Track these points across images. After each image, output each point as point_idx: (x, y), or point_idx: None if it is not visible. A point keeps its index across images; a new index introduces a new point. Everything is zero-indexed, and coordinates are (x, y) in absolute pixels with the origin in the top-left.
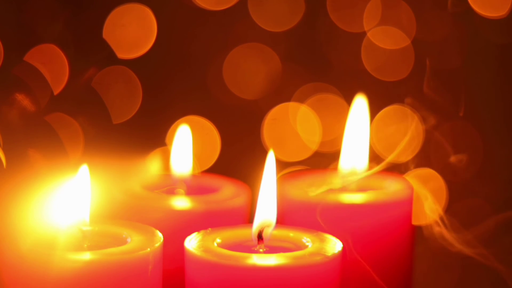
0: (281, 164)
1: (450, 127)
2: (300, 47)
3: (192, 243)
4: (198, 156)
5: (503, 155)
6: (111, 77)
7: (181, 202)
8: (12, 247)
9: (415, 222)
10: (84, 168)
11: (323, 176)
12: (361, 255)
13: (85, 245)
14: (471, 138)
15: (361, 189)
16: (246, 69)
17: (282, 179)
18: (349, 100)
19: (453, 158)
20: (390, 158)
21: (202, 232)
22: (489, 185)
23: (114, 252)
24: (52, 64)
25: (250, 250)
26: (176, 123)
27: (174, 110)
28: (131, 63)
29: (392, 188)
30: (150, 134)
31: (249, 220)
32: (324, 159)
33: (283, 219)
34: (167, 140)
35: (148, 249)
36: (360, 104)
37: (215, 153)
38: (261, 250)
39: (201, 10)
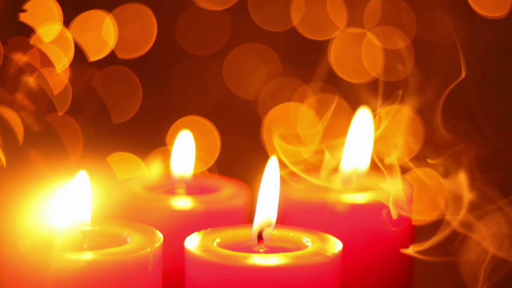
0: (281, 164)
1: (450, 127)
2: (300, 47)
3: (192, 243)
4: (198, 156)
5: (503, 154)
6: (111, 77)
7: (181, 202)
8: (12, 247)
9: (415, 222)
10: (82, 172)
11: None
12: (361, 255)
13: (86, 245)
14: (471, 137)
15: (361, 189)
16: (246, 69)
17: (282, 179)
18: (349, 100)
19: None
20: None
21: (202, 232)
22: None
23: (114, 252)
24: (52, 64)
25: (250, 250)
26: (176, 123)
27: (174, 110)
28: (131, 63)
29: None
30: (150, 134)
31: (249, 220)
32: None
33: (283, 219)
34: (167, 140)
35: (148, 249)
36: (363, 113)
37: (215, 153)
38: (261, 250)
39: (201, 10)
